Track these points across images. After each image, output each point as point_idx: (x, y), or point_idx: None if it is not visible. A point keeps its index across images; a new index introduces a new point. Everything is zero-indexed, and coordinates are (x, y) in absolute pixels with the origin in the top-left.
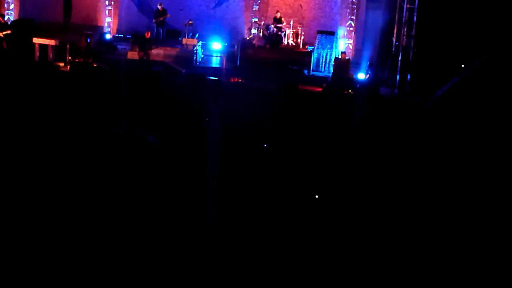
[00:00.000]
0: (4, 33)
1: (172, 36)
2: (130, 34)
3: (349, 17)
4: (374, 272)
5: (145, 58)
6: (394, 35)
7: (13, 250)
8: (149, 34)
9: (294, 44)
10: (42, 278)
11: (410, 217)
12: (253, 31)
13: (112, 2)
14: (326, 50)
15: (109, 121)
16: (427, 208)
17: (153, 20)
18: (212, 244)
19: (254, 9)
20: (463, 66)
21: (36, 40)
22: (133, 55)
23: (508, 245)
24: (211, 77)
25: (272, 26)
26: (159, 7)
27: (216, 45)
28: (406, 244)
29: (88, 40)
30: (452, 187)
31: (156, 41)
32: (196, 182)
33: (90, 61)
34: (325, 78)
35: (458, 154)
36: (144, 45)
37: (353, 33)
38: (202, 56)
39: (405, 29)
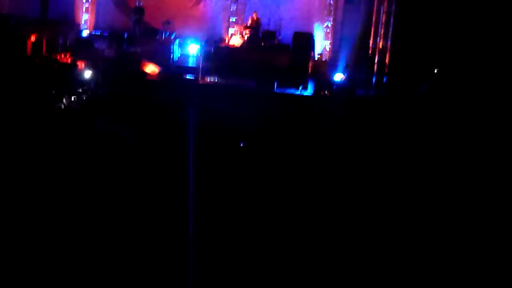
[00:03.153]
0: None
1: (150, 34)
2: (108, 32)
3: (327, 18)
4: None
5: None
6: (371, 37)
7: None
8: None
9: (271, 44)
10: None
11: (390, 215)
12: (231, 30)
13: None
14: (303, 51)
15: (86, 117)
16: (407, 206)
17: (131, 19)
18: (188, 244)
19: (231, 9)
20: (436, 70)
21: (12, 36)
22: (110, 52)
23: (494, 244)
24: (187, 76)
25: (250, 26)
26: (137, 4)
27: (193, 44)
28: (386, 242)
29: (65, 37)
30: (431, 185)
31: (133, 39)
32: (172, 181)
33: (67, 57)
34: (302, 79)
35: (434, 152)
36: (121, 45)
37: (330, 34)
38: (179, 55)
39: (382, 31)
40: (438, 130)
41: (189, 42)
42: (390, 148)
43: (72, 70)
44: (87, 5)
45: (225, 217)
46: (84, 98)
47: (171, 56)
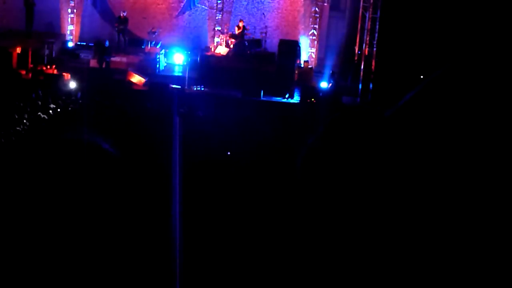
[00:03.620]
0: None
1: (135, 44)
2: (93, 42)
3: (312, 26)
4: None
5: (104, 66)
6: (357, 44)
7: None
8: (107, 43)
9: (257, 53)
10: None
11: (378, 222)
12: (216, 39)
13: (75, 10)
14: (289, 59)
15: (67, 128)
16: (393, 213)
17: (115, 28)
18: (174, 254)
19: (217, 18)
20: (422, 77)
21: None
22: (95, 63)
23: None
24: (173, 86)
25: (235, 34)
26: (122, 14)
27: (179, 54)
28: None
29: (50, 48)
30: (418, 193)
31: (119, 49)
32: (157, 191)
33: (53, 69)
34: (288, 87)
35: (421, 161)
36: (102, 54)
37: (316, 42)
38: (165, 64)
39: (368, 38)
40: (426, 136)
41: (174, 51)
42: (378, 155)
43: (57, 81)
44: (72, 16)
45: (211, 226)
46: (70, 109)
47: (157, 66)
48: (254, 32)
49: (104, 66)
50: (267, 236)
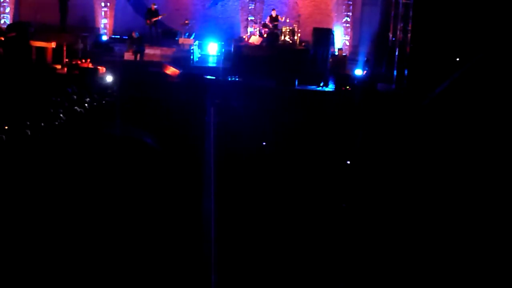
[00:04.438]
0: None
1: (168, 36)
2: (127, 35)
3: (345, 13)
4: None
5: (138, 58)
6: (391, 30)
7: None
8: (135, 34)
9: (290, 41)
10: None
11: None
12: (249, 29)
13: (108, 4)
14: (323, 47)
15: (104, 122)
16: (429, 207)
17: (146, 21)
18: (208, 247)
19: (249, 8)
20: (458, 59)
21: (33, 43)
22: (130, 56)
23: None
24: (208, 77)
25: (268, 24)
26: (152, 6)
27: (213, 44)
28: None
29: (85, 42)
30: (452, 186)
31: (152, 41)
32: (193, 183)
33: (87, 62)
34: (322, 75)
35: (458, 152)
36: (133, 45)
37: (349, 29)
38: (199, 55)
39: (402, 24)
40: (461, 126)
41: (208, 42)
42: (413, 144)
43: (92, 75)
44: (105, 10)
45: (246, 220)
46: (105, 102)
47: (191, 57)
48: (288, 20)
49: (138, 58)
50: (304, 229)
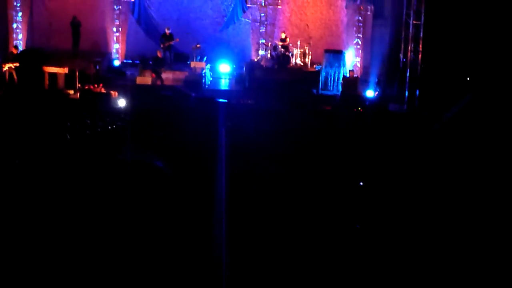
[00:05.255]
0: (11, 65)
1: (180, 59)
2: (139, 59)
3: (356, 35)
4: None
5: (158, 82)
6: (401, 51)
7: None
8: (161, 54)
9: (302, 64)
10: None
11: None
12: (261, 52)
13: (120, 28)
14: (334, 68)
15: (116, 147)
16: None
17: (161, 45)
18: (220, 272)
19: (261, 31)
20: (468, 79)
21: (45, 69)
22: (142, 80)
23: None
24: (220, 100)
25: (279, 46)
26: (166, 31)
27: (225, 68)
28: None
29: (97, 67)
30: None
31: (165, 65)
32: (205, 207)
33: (100, 88)
34: (334, 97)
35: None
36: (156, 66)
37: (360, 50)
38: (211, 79)
39: (412, 45)
40: (475, 151)
41: (220, 65)
42: (427, 164)
43: (105, 99)
44: (117, 35)
45: (258, 246)
46: (118, 126)
47: (203, 81)
48: (299, 43)
49: (158, 82)
50: (318, 253)
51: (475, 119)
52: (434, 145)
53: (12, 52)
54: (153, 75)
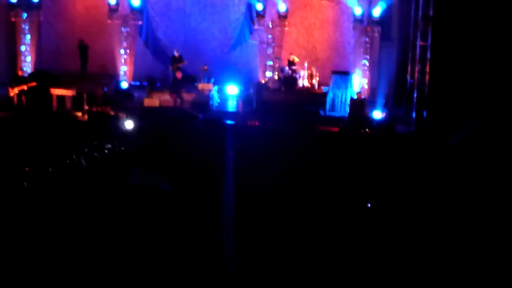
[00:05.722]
0: (21, 88)
1: (188, 81)
2: (146, 81)
3: (363, 56)
4: None
5: (178, 101)
6: (408, 72)
7: None
8: (180, 75)
9: (309, 85)
10: None
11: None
12: (268, 74)
13: (127, 50)
14: (341, 90)
15: (124, 170)
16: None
17: (170, 67)
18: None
19: (268, 52)
20: (477, 101)
21: (53, 91)
22: (149, 102)
23: None
24: (228, 121)
25: (287, 68)
26: (175, 54)
27: (232, 89)
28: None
29: (105, 89)
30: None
31: (173, 88)
32: (212, 229)
33: (108, 110)
34: (341, 118)
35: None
36: (176, 86)
37: (367, 72)
38: (219, 100)
39: (419, 66)
40: (486, 171)
41: (227, 87)
42: (434, 186)
43: (113, 121)
44: (125, 57)
45: (266, 268)
46: (125, 149)
47: (210, 102)
48: (306, 64)
49: (178, 101)
50: (326, 275)
51: (484, 142)
52: (442, 167)
53: (17, 75)
54: (173, 95)
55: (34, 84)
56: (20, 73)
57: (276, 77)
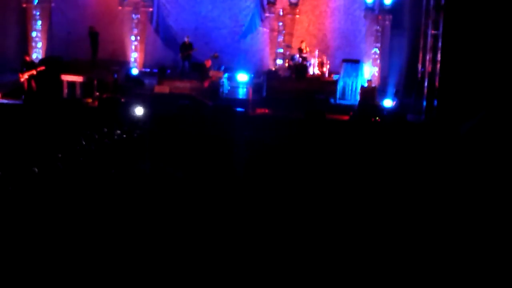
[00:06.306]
0: (30, 73)
1: (198, 69)
2: (157, 68)
3: (374, 44)
4: None
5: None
6: (420, 61)
7: None
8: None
9: (319, 73)
10: None
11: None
12: (278, 62)
13: (138, 37)
14: (351, 78)
15: (136, 157)
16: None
17: (180, 54)
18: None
19: (278, 40)
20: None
21: (64, 78)
22: (160, 89)
23: None
24: (238, 109)
25: (297, 56)
26: (186, 40)
27: (242, 77)
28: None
29: (115, 76)
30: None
31: (183, 75)
32: (222, 215)
33: (118, 96)
34: (351, 107)
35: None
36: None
37: (378, 60)
38: (229, 88)
39: (430, 55)
40: (495, 160)
41: (237, 74)
42: (445, 174)
43: (123, 108)
44: (136, 44)
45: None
46: (136, 135)
47: (220, 90)
48: (317, 52)
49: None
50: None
51: (492, 132)
52: (452, 155)
53: (25, 60)
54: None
55: (43, 68)
56: (27, 58)
57: (286, 65)
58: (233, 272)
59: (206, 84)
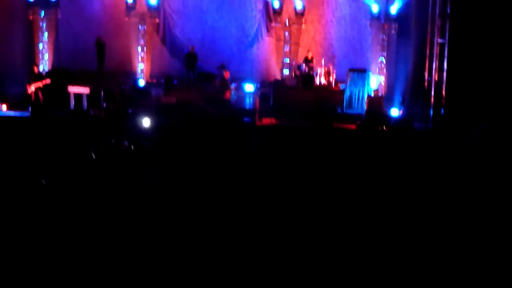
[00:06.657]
0: (37, 85)
1: (205, 79)
2: (163, 79)
3: (380, 53)
4: None
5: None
6: (426, 69)
7: None
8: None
9: (326, 82)
10: None
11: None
12: (285, 71)
13: (145, 48)
14: (358, 87)
15: (141, 169)
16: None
17: (184, 64)
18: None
19: (285, 50)
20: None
21: (70, 89)
22: (167, 99)
23: None
24: (244, 118)
25: (304, 65)
26: (190, 50)
27: (249, 87)
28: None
29: (122, 87)
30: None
31: (189, 85)
32: (229, 223)
33: (125, 107)
34: (358, 116)
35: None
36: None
37: (384, 69)
38: (235, 97)
39: (437, 64)
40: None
41: (244, 84)
42: (453, 183)
43: (130, 119)
44: (142, 55)
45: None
46: (142, 146)
47: (228, 99)
48: (323, 62)
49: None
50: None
51: (499, 141)
52: (460, 164)
53: (33, 71)
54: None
55: (48, 81)
56: (36, 69)
57: (293, 74)
58: (233, 272)
59: (227, 95)
